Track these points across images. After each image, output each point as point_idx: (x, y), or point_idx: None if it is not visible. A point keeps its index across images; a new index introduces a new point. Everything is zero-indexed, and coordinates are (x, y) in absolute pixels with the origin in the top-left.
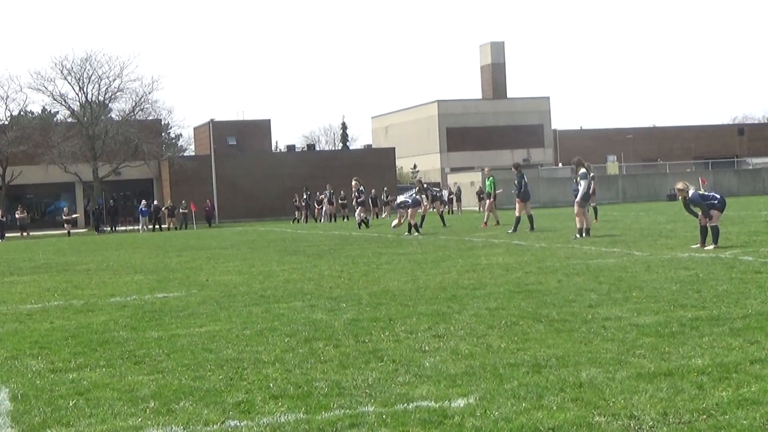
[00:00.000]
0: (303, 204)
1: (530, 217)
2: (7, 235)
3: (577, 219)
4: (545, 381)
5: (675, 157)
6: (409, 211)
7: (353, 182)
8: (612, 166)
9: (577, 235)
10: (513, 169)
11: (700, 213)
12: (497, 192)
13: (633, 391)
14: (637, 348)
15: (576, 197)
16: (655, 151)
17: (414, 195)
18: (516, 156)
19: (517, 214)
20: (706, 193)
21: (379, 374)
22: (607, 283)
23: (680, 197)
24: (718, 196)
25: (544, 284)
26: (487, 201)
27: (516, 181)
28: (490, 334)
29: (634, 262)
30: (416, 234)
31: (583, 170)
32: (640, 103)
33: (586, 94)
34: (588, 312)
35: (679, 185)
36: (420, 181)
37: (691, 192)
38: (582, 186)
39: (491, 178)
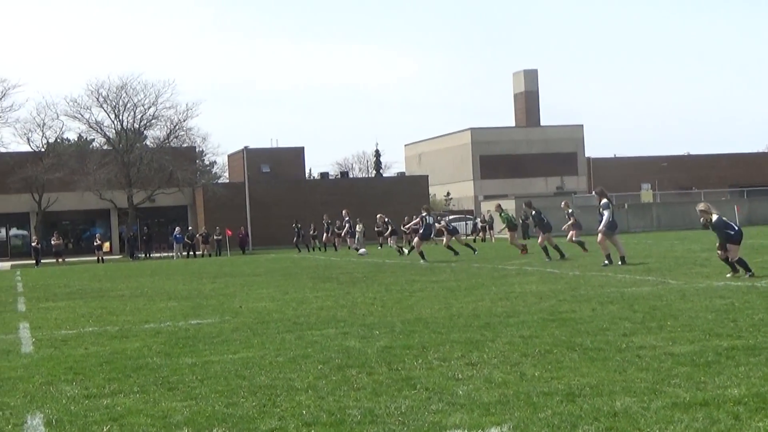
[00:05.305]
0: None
1: (557, 247)
2: (42, 261)
3: (600, 246)
4: (579, 410)
5: (710, 185)
6: (446, 237)
7: (378, 216)
8: (646, 194)
9: (606, 262)
10: (525, 207)
11: (717, 242)
12: (516, 221)
13: (668, 421)
14: (672, 377)
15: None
16: (689, 179)
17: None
18: (549, 184)
19: (540, 244)
20: (728, 221)
21: (412, 402)
22: (642, 311)
23: (702, 219)
24: (736, 228)
25: (578, 312)
26: (509, 233)
27: (534, 218)
28: (523, 363)
29: (668, 290)
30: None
31: (605, 200)
32: (675, 130)
33: (620, 122)
34: (622, 341)
35: (701, 206)
36: (427, 209)
37: (714, 217)
38: (605, 215)
39: (503, 213)
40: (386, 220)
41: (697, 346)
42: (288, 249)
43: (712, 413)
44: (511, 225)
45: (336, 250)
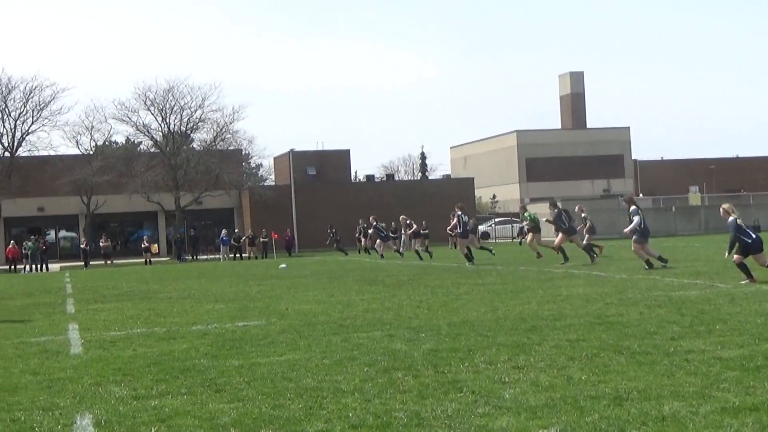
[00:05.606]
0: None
1: (562, 249)
2: (91, 262)
3: (637, 254)
4: (627, 414)
5: (759, 187)
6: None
7: (401, 218)
8: (694, 197)
9: (647, 267)
10: (550, 206)
11: (734, 247)
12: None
13: (717, 426)
14: (721, 382)
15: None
16: (738, 181)
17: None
18: (596, 186)
19: (580, 246)
20: (744, 227)
21: (459, 405)
22: (690, 315)
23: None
24: (754, 236)
25: (625, 316)
26: (532, 234)
27: (555, 218)
28: (570, 366)
29: (717, 294)
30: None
31: (633, 207)
32: (723, 132)
33: (667, 124)
34: (670, 344)
35: (725, 206)
36: (461, 207)
37: (730, 219)
38: (635, 221)
39: (526, 213)
40: (408, 221)
41: (747, 351)
42: (333, 251)
43: (762, 418)
44: (534, 226)
45: (377, 252)
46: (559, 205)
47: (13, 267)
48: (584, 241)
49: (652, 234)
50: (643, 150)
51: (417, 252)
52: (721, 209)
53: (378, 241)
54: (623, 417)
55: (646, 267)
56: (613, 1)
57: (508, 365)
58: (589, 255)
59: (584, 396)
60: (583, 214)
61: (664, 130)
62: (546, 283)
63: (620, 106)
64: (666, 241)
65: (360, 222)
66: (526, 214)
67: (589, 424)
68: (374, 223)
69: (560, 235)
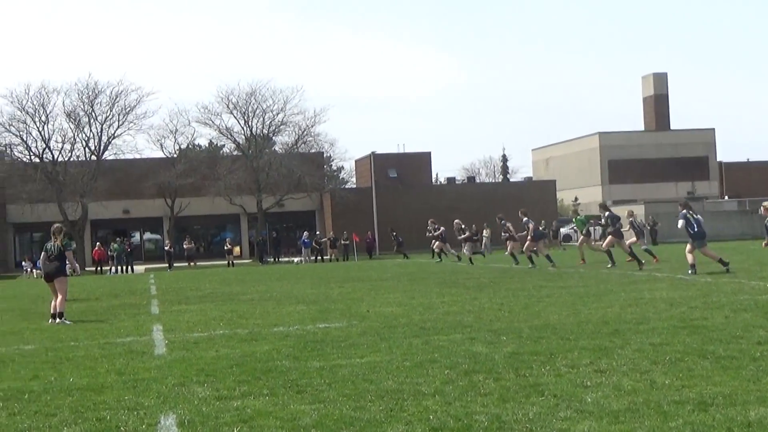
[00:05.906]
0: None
1: (609, 253)
2: (175, 264)
3: (708, 257)
4: (711, 420)
5: None
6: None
7: (455, 222)
8: None
9: (726, 269)
10: (600, 209)
11: None
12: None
13: None
14: None
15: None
16: None
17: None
18: (680, 189)
19: (603, 249)
20: None
21: (540, 409)
22: None
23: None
24: None
25: (709, 320)
26: (584, 238)
27: (607, 219)
28: (653, 370)
29: None
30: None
31: (683, 211)
32: None
33: (754, 124)
34: (757, 349)
35: (767, 203)
36: (525, 212)
37: None
38: (679, 224)
39: (578, 217)
40: (462, 226)
41: None
42: (413, 254)
43: None
44: (586, 230)
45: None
46: (611, 208)
47: (99, 268)
48: (629, 245)
49: (739, 237)
50: (728, 151)
51: (466, 257)
52: (762, 207)
53: (437, 243)
54: (708, 422)
55: (726, 269)
56: (696, 1)
57: (590, 369)
58: (610, 258)
59: (668, 401)
60: (630, 219)
61: (750, 131)
62: (629, 286)
63: (705, 107)
64: (752, 244)
65: (429, 224)
66: (577, 219)
67: (673, 430)
68: (435, 225)
69: (611, 237)
